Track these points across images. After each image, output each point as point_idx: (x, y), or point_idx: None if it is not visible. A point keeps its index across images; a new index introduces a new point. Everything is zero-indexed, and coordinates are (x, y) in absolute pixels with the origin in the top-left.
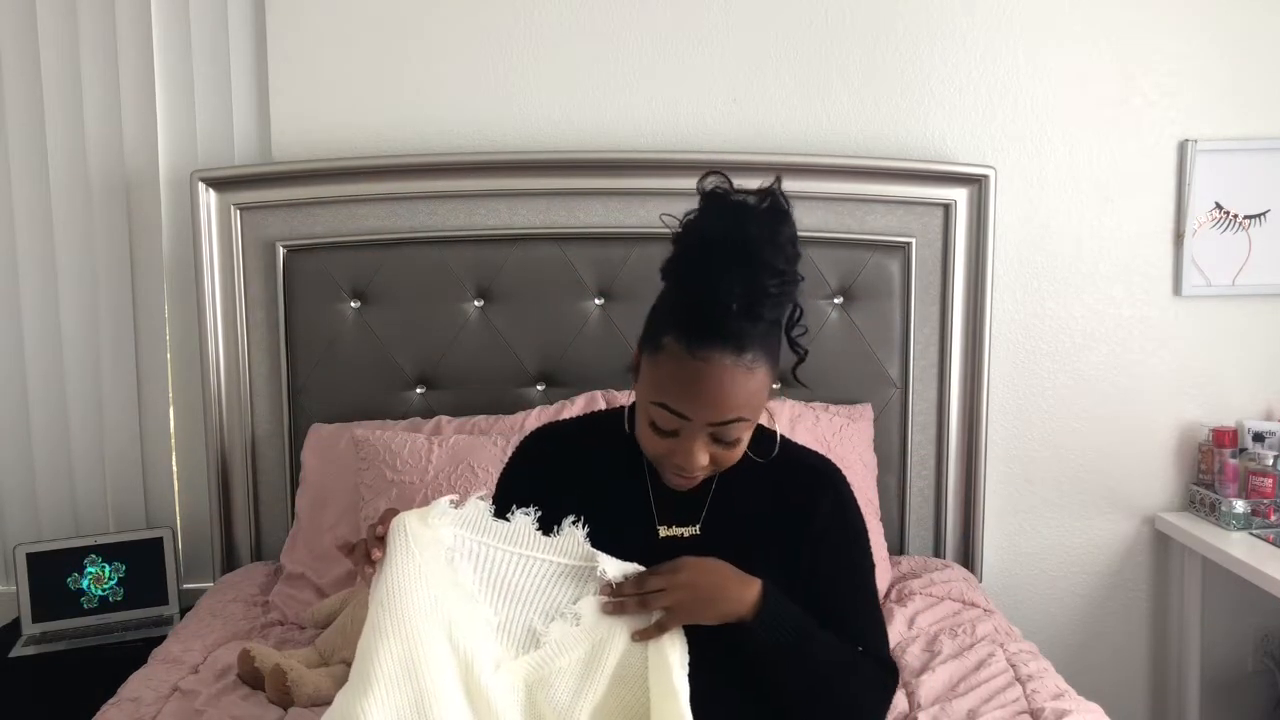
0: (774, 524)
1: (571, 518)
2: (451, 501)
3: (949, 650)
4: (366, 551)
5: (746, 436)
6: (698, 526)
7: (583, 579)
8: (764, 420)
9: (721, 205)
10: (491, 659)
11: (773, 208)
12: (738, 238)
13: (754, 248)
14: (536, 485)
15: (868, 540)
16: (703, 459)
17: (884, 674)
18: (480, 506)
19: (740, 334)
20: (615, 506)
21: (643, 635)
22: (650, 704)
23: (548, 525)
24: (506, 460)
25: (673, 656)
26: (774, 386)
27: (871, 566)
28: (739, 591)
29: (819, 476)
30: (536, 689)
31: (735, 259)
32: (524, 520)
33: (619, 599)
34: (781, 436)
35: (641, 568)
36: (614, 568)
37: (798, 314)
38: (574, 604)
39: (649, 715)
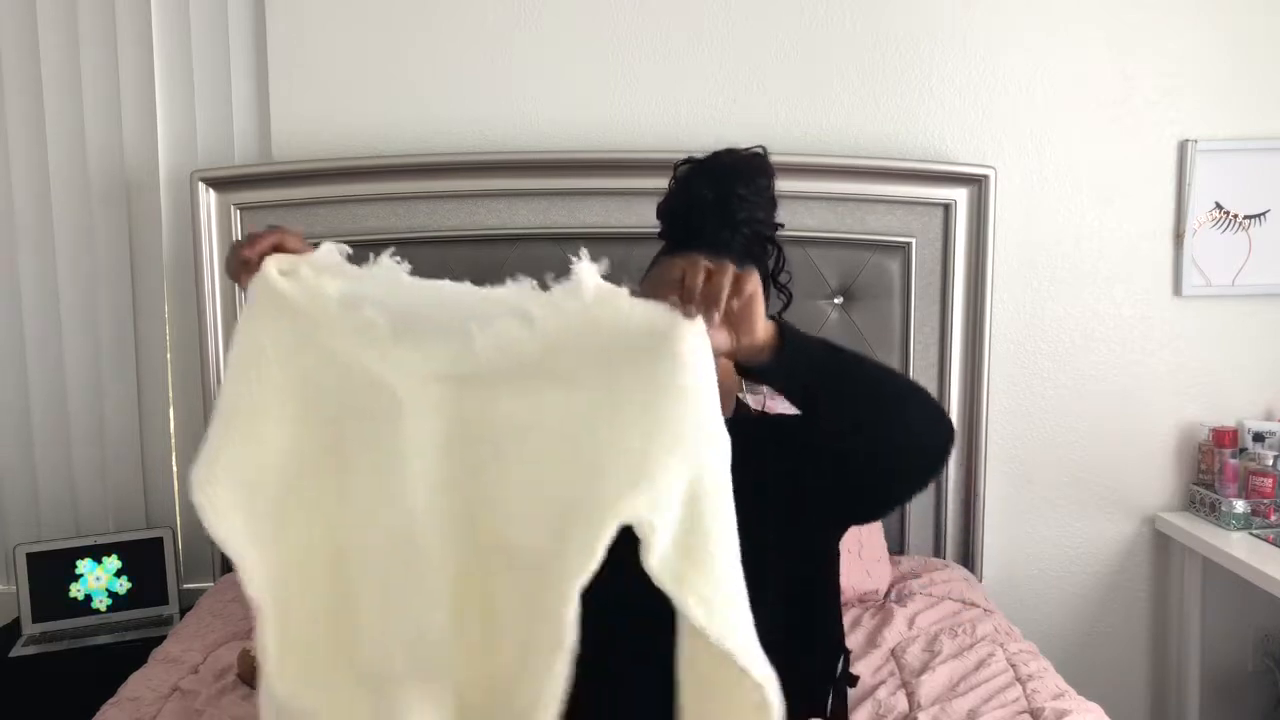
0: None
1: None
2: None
3: (949, 650)
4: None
5: None
6: None
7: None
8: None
9: (705, 161)
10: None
11: (747, 158)
12: (713, 167)
13: (725, 173)
14: None
15: None
16: None
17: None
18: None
19: (717, 238)
20: None
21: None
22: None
23: None
24: None
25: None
26: None
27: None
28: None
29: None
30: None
31: (708, 181)
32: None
33: (696, 291)
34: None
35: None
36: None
37: (781, 262)
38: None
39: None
